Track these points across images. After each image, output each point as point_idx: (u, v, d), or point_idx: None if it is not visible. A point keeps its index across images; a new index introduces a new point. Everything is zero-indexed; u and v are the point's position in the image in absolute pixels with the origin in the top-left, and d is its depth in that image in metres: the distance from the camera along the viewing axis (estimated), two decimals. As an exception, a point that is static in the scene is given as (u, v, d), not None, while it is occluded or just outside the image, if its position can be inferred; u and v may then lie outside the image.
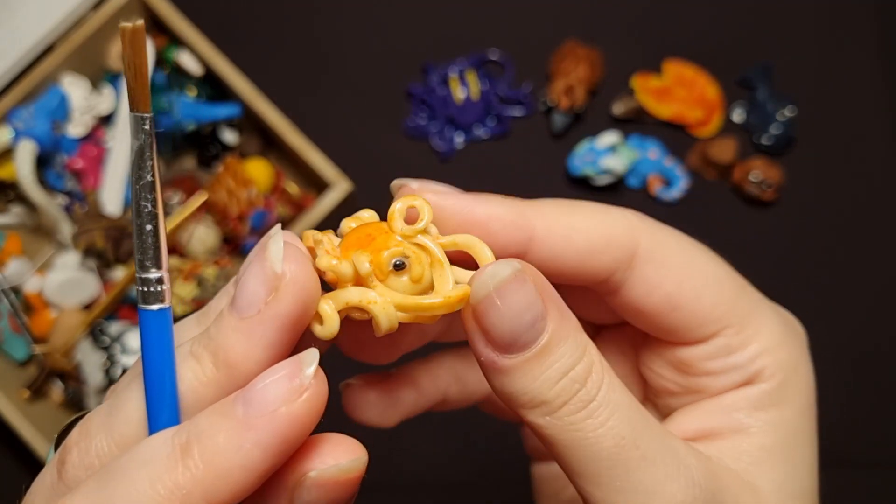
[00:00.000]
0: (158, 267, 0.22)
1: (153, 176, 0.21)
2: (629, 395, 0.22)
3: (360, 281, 0.22)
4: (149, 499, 0.19)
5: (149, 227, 0.21)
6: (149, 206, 0.21)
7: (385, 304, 0.22)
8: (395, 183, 0.25)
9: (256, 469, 0.20)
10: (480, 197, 0.24)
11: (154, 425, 0.21)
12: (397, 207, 0.23)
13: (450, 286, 0.22)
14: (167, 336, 0.22)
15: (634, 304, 0.25)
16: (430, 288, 0.23)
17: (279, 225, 0.23)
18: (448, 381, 0.31)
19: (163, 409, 0.21)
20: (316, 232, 0.24)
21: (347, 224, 0.24)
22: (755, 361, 0.25)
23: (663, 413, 0.28)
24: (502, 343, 0.21)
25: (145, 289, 0.22)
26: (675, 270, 0.25)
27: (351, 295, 0.22)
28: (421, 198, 0.23)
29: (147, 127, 0.22)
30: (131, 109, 0.22)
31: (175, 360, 0.22)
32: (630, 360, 0.30)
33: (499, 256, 0.23)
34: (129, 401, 0.22)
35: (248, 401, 0.20)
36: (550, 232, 0.24)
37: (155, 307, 0.22)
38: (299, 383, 0.20)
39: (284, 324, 0.21)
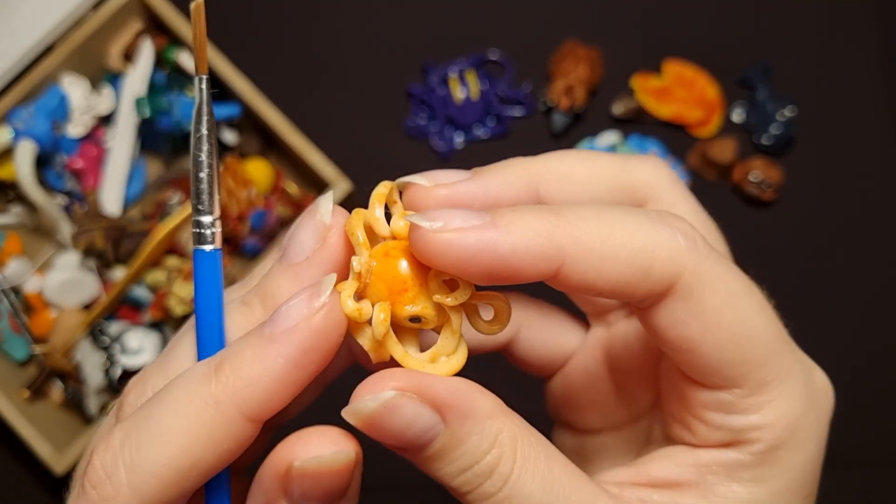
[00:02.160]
0: (211, 212, 0.24)
1: (208, 130, 0.24)
2: (548, 480, 0.22)
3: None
4: (186, 411, 0.21)
5: (202, 174, 0.24)
6: (202, 155, 0.24)
7: (385, 352, 0.23)
8: (401, 182, 0.24)
9: (281, 378, 0.21)
10: (503, 217, 0.21)
11: (202, 356, 0.23)
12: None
13: (452, 349, 0.23)
14: (217, 275, 0.24)
15: (651, 326, 0.23)
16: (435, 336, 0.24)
17: (331, 191, 0.25)
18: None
19: (211, 342, 0.23)
20: (366, 213, 0.24)
21: (396, 221, 0.23)
22: (751, 431, 0.23)
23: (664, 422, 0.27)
24: (400, 447, 0.22)
25: (199, 231, 0.24)
26: (707, 316, 0.22)
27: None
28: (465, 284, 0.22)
29: (203, 86, 0.24)
30: (196, 73, 0.24)
31: (223, 297, 0.24)
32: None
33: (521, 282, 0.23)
34: (182, 345, 0.24)
35: (272, 321, 0.22)
36: (582, 261, 0.21)
37: (207, 248, 0.24)
38: (317, 303, 0.21)
39: (329, 270, 0.23)
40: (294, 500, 0.22)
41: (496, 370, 0.31)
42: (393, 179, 0.24)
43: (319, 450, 0.22)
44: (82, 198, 0.69)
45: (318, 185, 0.68)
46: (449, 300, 0.22)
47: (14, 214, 0.70)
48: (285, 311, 0.22)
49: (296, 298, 0.22)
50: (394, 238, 0.23)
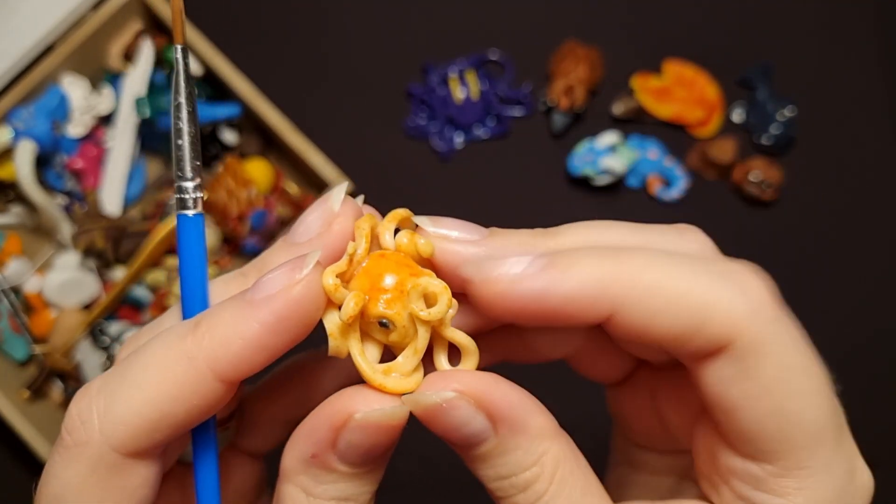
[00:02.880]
0: (192, 178, 0.24)
1: (186, 98, 0.24)
2: None
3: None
4: (158, 364, 0.22)
5: (180, 141, 0.24)
6: (180, 123, 0.24)
7: (344, 344, 0.23)
8: (409, 218, 0.24)
9: (254, 342, 0.22)
10: (558, 264, 0.21)
11: (186, 317, 0.24)
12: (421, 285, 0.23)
13: (409, 370, 0.23)
14: (200, 239, 0.24)
15: (697, 377, 0.22)
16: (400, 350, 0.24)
17: (345, 183, 0.25)
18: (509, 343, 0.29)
19: (194, 304, 0.24)
20: (378, 221, 0.24)
21: (402, 237, 0.24)
22: None
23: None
24: (449, 441, 0.23)
25: (181, 196, 0.24)
26: (755, 383, 0.21)
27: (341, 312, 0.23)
28: (444, 289, 0.22)
29: (179, 56, 0.24)
30: (173, 42, 0.25)
31: (206, 260, 0.25)
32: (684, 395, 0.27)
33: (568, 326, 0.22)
34: (176, 309, 0.25)
35: (254, 287, 0.22)
36: (633, 312, 0.21)
37: (190, 213, 0.24)
38: (299, 274, 0.22)
39: (331, 253, 0.24)
40: (342, 452, 0.22)
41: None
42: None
43: (381, 403, 0.22)
44: (82, 198, 0.69)
45: (318, 185, 0.68)
46: (423, 313, 0.22)
47: (14, 214, 0.70)
48: (267, 280, 0.22)
49: (280, 268, 0.22)
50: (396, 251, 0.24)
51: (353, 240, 0.24)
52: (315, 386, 0.29)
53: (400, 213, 0.24)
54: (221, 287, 0.25)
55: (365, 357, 0.23)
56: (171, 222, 0.64)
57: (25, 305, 0.68)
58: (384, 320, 0.23)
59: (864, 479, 0.24)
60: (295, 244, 0.24)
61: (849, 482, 0.23)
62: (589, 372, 0.30)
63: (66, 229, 0.68)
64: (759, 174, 0.69)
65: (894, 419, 0.66)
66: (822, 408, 0.22)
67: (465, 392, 0.22)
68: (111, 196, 0.69)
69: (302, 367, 0.30)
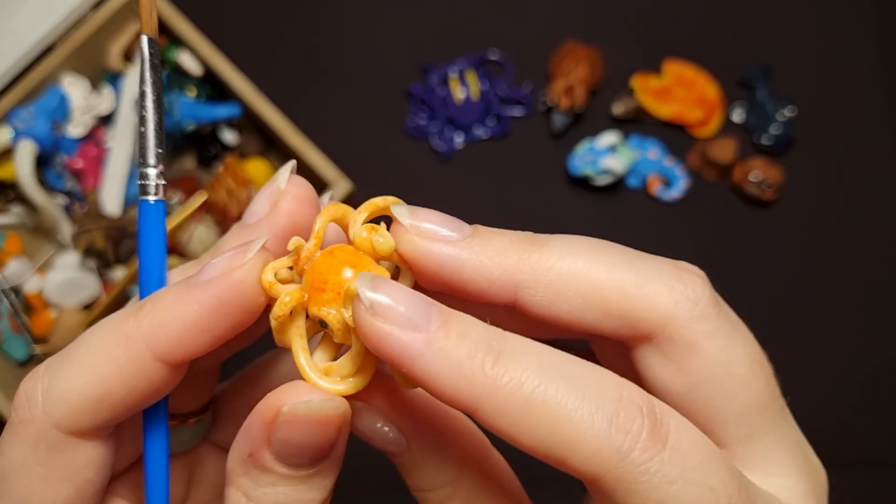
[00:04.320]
0: (155, 164, 0.25)
1: (149, 87, 0.25)
2: None
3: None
4: (99, 344, 0.22)
5: (143, 129, 0.25)
6: (144, 111, 0.25)
7: (286, 328, 0.23)
8: (391, 206, 0.23)
9: (193, 324, 0.22)
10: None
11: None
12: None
13: (347, 372, 0.22)
14: (160, 226, 0.25)
15: (637, 368, 0.23)
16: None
17: (293, 161, 0.26)
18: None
19: (151, 290, 0.24)
20: (349, 212, 0.23)
21: (359, 232, 0.23)
22: None
23: None
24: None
25: (144, 182, 0.25)
26: (685, 376, 0.22)
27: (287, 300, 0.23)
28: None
29: (144, 47, 0.25)
30: (141, 32, 0.25)
31: (165, 247, 0.25)
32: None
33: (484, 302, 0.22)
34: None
35: (199, 271, 0.22)
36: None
37: (151, 199, 0.25)
38: (242, 258, 0.22)
39: (279, 232, 0.24)
40: (277, 449, 0.22)
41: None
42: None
43: (310, 396, 0.22)
44: (82, 198, 0.69)
45: (318, 185, 0.68)
46: (348, 316, 0.21)
47: (14, 214, 0.70)
48: (212, 264, 0.22)
49: (224, 253, 0.22)
50: (351, 244, 0.23)
51: (310, 218, 0.24)
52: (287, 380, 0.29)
53: (376, 202, 0.23)
54: (180, 275, 0.25)
55: (303, 354, 0.23)
56: (171, 222, 0.64)
57: (25, 305, 0.68)
58: (322, 321, 0.22)
59: (816, 458, 0.24)
60: (245, 226, 0.25)
61: (808, 460, 0.23)
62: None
63: (66, 229, 0.68)
64: (758, 174, 0.69)
65: (894, 419, 0.66)
66: (762, 392, 0.22)
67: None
68: (111, 196, 0.69)
69: (277, 362, 0.30)
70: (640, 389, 0.20)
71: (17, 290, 0.68)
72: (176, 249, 0.67)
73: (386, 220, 0.23)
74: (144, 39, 0.25)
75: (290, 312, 0.22)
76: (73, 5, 0.69)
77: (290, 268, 0.23)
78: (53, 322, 0.67)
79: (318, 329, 0.23)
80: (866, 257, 0.70)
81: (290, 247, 0.22)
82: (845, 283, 0.69)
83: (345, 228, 0.23)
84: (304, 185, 0.25)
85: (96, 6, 0.70)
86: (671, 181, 0.70)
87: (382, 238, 0.22)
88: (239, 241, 0.24)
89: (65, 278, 0.66)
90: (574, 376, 0.20)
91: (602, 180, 0.69)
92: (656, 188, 0.70)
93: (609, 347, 0.26)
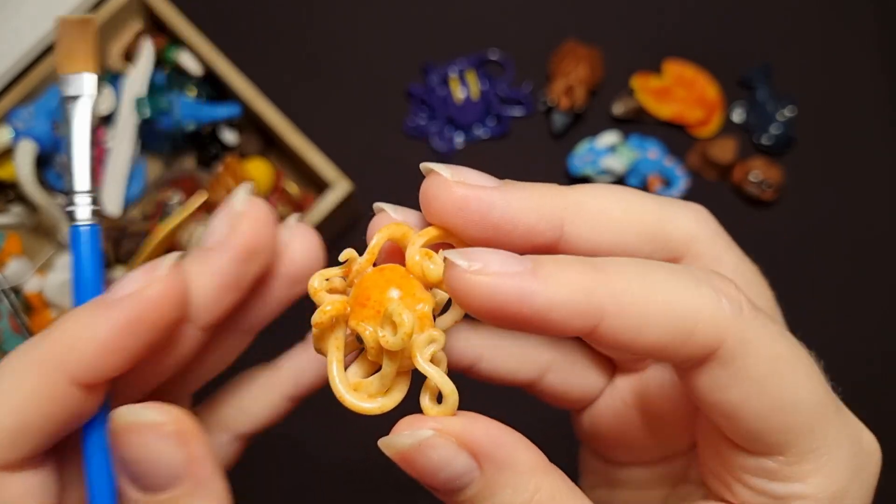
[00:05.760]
0: (86, 189, 0.26)
1: (75, 122, 0.26)
2: None
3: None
4: (13, 371, 0.22)
5: (72, 152, 0.26)
6: (70, 135, 0.26)
7: (325, 337, 0.23)
8: (424, 167, 0.23)
9: (105, 343, 0.21)
10: (544, 267, 0.20)
11: None
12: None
13: (375, 391, 0.22)
14: (94, 251, 0.25)
15: (691, 387, 0.22)
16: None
17: (248, 184, 0.26)
18: (478, 351, 0.28)
19: None
20: (408, 232, 0.23)
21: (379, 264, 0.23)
22: (795, 500, 0.22)
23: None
24: (433, 487, 0.21)
25: (73, 207, 0.25)
26: (750, 383, 0.21)
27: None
28: (409, 320, 0.21)
29: (89, 85, 0.26)
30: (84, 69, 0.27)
31: (101, 273, 0.25)
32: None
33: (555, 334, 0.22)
34: None
35: (112, 290, 0.22)
36: (619, 320, 0.20)
37: (83, 224, 0.25)
38: (154, 275, 0.22)
39: (238, 254, 0.24)
40: (124, 470, 0.21)
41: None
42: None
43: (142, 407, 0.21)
44: (82, 198, 0.69)
45: (318, 185, 0.68)
46: (383, 339, 0.21)
47: (14, 214, 0.70)
48: (123, 281, 0.22)
49: (136, 271, 0.22)
50: (404, 266, 0.22)
51: (268, 240, 0.24)
52: (261, 398, 0.29)
53: (430, 231, 0.22)
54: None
55: (336, 365, 0.22)
56: (171, 222, 0.64)
57: (25, 305, 0.68)
58: (358, 336, 0.22)
59: (870, 444, 0.24)
60: (204, 249, 0.24)
61: (859, 451, 0.23)
62: (558, 395, 0.29)
63: (66, 229, 0.68)
64: (759, 174, 0.69)
65: (894, 419, 0.66)
66: (816, 389, 0.22)
67: (442, 431, 0.20)
68: (111, 196, 0.69)
69: (250, 379, 0.30)
70: None
71: (17, 290, 0.68)
72: (176, 249, 0.67)
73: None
74: (61, 78, 0.26)
75: (332, 322, 0.22)
76: (73, 5, 0.69)
77: (344, 278, 0.23)
78: (53, 322, 0.67)
79: (358, 345, 0.23)
80: (866, 257, 0.70)
81: (342, 258, 0.22)
82: (846, 283, 0.69)
83: (403, 249, 0.23)
84: (262, 207, 0.25)
85: (96, 6, 0.70)
86: (671, 181, 0.70)
87: (434, 265, 0.22)
88: (197, 264, 0.24)
89: (65, 278, 0.66)
90: (664, 266, 0.21)
91: (602, 180, 0.69)
92: (656, 188, 0.70)
93: None
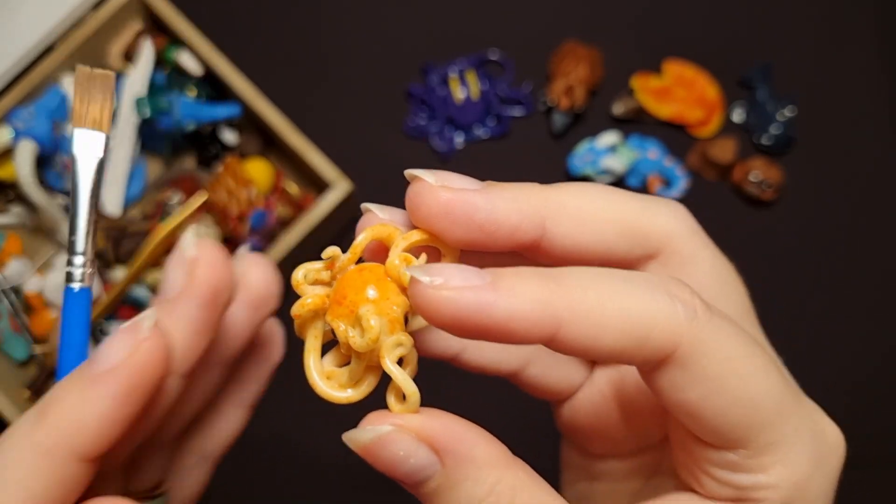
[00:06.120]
0: (82, 252, 0.26)
1: (80, 180, 0.26)
2: None
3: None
4: (16, 461, 0.22)
5: (76, 219, 0.26)
6: (76, 203, 0.26)
7: (306, 327, 0.23)
8: (409, 173, 0.23)
9: (109, 417, 0.22)
10: (503, 280, 0.21)
11: None
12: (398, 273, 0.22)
13: (346, 382, 0.23)
14: (83, 315, 0.26)
15: (653, 388, 0.23)
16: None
17: (193, 227, 0.26)
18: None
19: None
20: (393, 233, 0.23)
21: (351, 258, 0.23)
22: (758, 490, 0.23)
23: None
24: (396, 479, 0.22)
25: (70, 269, 0.26)
26: (707, 383, 0.22)
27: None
28: (376, 325, 0.21)
29: (74, 142, 0.26)
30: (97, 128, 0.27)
31: (88, 336, 0.25)
32: None
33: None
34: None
35: (95, 359, 0.22)
36: (576, 328, 0.21)
37: (76, 286, 0.26)
38: (138, 337, 0.22)
39: (201, 301, 0.24)
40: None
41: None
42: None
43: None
44: (82, 198, 0.69)
45: (318, 185, 0.68)
46: (352, 339, 0.22)
47: (14, 214, 0.70)
48: (107, 349, 0.22)
49: (115, 336, 0.22)
50: (384, 269, 0.23)
51: (224, 285, 0.24)
52: (230, 419, 0.30)
53: (413, 235, 0.23)
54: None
55: (312, 354, 0.23)
56: (171, 222, 0.64)
57: (25, 305, 0.68)
58: (333, 332, 0.23)
59: (834, 435, 0.24)
60: (165, 301, 0.24)
61: (821, 442, 0.24)
62: (540, 386, 0.29)
63: (66, 229, 0.68)
64: (758, 174, 0.69)
65: (894, 419, 0.66)
66: (775, 384, 0.23)
67: (401, 426, 0.21)
68: (111, 196, 0.69)
69: (218, 404, 0.30)
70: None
71: (17, 290, 0.68)
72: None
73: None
74: (75, 133, 0.26)
75: (311, 315, 0.23)
76: (73, 5, 0.69)
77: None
78: (53, 322, 0.67)
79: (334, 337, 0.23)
80: (867, 257, 0.70)
81: (325, 255, 0.23)
82: (845, 283, 0.69)
83: (387, 250, 0.23)
84: (212, 248, 0.25)
85: (96, 6, 0.70)
86: (671, 181, 0.70)
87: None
88: (165, 316, 0.24)
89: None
90: (620, 274, 0.22)
91: (602, 180, 0.69)
92: (656, 188, 0.70)
93: None
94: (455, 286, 0.20)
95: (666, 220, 0.25)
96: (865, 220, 0.71)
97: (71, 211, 0.26)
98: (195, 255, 0.25)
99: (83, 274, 0.26)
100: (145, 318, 0.23)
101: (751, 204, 0.70)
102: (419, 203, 0.22)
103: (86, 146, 0.26)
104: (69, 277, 0.26)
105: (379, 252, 0.24)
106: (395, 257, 0.22)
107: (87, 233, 0.26)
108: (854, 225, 0.70)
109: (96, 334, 0.66)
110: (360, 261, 0.23)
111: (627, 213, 0.24)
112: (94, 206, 0.26)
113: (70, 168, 0.26)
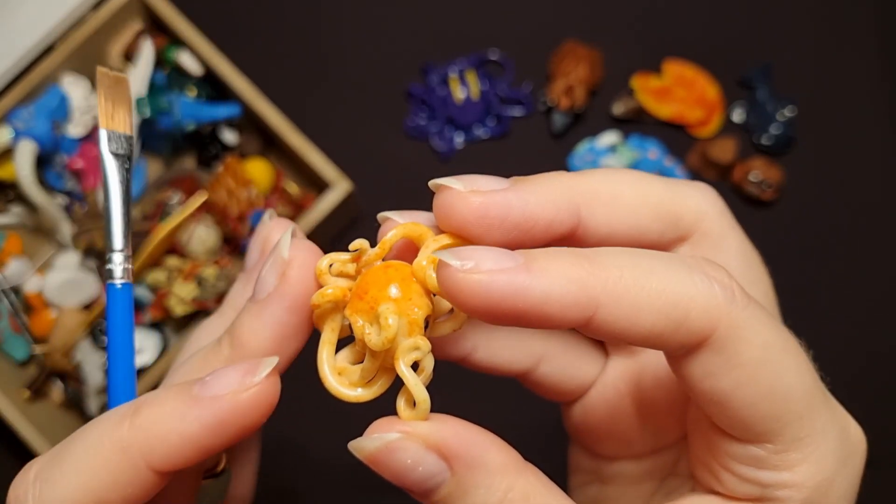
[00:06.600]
0: (121, 248, 0.27)
1: (113, 177, 0.27)
2: None
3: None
4: (94, 450, 0.22)
5: (110, 215, 0.27)
6: (109, 200, 0.27)
7: (324, 318, 0.23)
8: (434, 183, 0.23)
9: (192, 440, 0.21)
10: (537, 261, 0.20)
11: (112, 390, 0.26)
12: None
13: (357, 381, 0.23)
14: (127, 309, 0.26)
15: (683, 375, 0.22)
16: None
17: (291, 228, 0.25)
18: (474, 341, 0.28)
19: (122, 378, 0.26)
20: (423, 232, 0.23)
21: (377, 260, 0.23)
22: (782, 489, 0.22)
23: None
24: (405, 488, 0.22)
25: (110, 266, 0.26)
26: (741, 370, 0.21)
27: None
28: (393, 325, 0.21)
29: (104, 140, 0.27)
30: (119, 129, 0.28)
31: (133, 331, 0.26)
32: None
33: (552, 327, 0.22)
34: (231, 305, 0.28)
35: (203, 383, 0.22)
36: (614, 310, 0.20)
37: (118, 283, 0.26)
38: (251, 380, 0.22)
39: (291, 304, 0.23)
40: None
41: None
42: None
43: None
44: (82, 198, 0.69)
45: (318, 185, 0.68)
46: (367, 337, 0.21)
47: (14, 214, 0.70)
48: (217, 378, 0.22)
49: (233, 368, 0.22)
50: (410, 268, 0.22)
51: (316, 286, 0.24)
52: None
53: (444, 238, 0.22)
54: (199, 361, 0.25)
55: (326, 347, 0.23)
56: (171, 222, 0.64)
57: (25, 305, 0.68)
58: (352, 329, 0.22)
59: (856, 433, 0.24)
60: (257, 302, 0.24)
61: (845, 440, 0.23)
62: (552, 385, 0.29)
63: (66, 229, 0.68)
64: (758, 174, 0.69)
65: (894, 419, 0.66)
66: (806, 380, 0.22)
67: (409, 433, 0.21)
68: (111, 196, 0.69)
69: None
70: None
71: (17, 290, 0.68)
72: (176, 249, 0.67)
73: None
74: (104, 134, 0.27)
75: (331, 306, 0.23)
76: (73, 5, 0.69)
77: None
78: (53, 322, 0.67)
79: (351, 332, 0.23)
80: (866, 257, 0.70)
81: (352, 247, 0.22)
82: (845, 283, 0.69)
83: (418, 248, 0.23)
84: (308, 249, 0.24)
85: (96, 6, 0.70)
86: (671, 181, 0.70)
87: (435, 275, 0.21)
88: (253, 319, 0.24)
89: (65, 278, 0.66)
90: (655, 254, 0.21)
91: (602, 180, 0.69)
92: (656, 188, 0.70)
93: None
94: (487, 269, 0.19)
95: (697, 202, 0.25)
96: (865, 219, 0.71)
97: (105, 211, 0.27)
98: (289, 257, 0.24)
99: (123, 270, 0.26)
100: (266, 364, 0.22)
101: (751, 204, 0.70)
102: (451, 212, 0.22)
103: (114, 146, 0.27)
104: (110, 275, 0.26)
105: (407, 252, 0.23)
106: (424, 258, 0.22)
107: (123, 230, 0.27)
108: (854, 225, 0.70)
109: (95, 334, 0.66)
110: (386, 258, 0.23)
111: (658, 196, 0.24)
112: (127, 204, 0.27)
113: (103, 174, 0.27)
